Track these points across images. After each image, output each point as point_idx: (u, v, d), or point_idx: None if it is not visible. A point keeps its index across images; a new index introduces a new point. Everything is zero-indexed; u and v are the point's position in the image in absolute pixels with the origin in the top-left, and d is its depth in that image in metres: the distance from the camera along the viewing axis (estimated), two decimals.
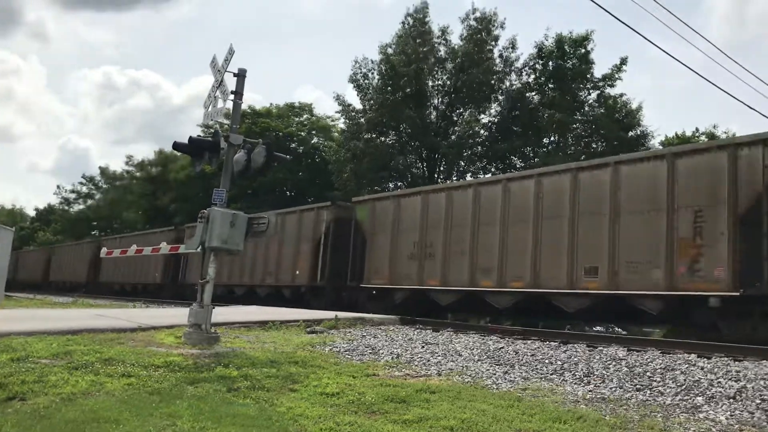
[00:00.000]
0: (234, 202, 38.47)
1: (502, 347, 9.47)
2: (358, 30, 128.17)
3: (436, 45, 35.87)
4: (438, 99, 36.39)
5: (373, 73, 36.61)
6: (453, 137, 34.73)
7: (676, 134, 38.60)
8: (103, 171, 70.70)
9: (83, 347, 7.35)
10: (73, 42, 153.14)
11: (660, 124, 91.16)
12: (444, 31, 36.11)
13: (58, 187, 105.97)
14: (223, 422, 4.78)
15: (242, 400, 5.63)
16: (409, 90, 34.52)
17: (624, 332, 15.01)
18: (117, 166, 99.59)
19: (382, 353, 8.86)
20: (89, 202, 72.71)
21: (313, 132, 48.84)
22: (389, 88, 35.07)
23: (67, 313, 12.81)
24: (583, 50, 34.47)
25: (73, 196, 74.49)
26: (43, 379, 5.76)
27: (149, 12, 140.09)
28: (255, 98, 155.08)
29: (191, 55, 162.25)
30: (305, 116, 50.16)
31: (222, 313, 11.81)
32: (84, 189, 74.02)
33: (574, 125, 34.63)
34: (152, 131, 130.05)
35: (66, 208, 74.92)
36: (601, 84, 34.99)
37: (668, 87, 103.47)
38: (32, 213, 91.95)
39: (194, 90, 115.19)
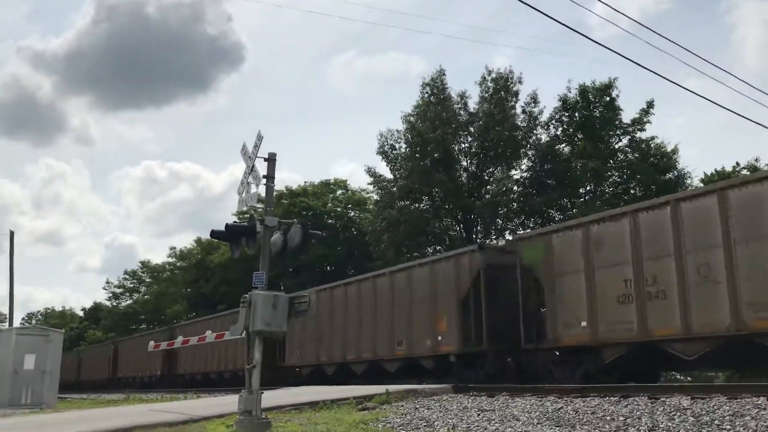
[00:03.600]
0: (277, 281, 38.85)
1: (561, 407, 9.16)
2: (389, 100, 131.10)
3: (456, 109, 36.34)
4: (467, 161, 36.62)
5: (399, 143, 37.15)
6: (487, 197, 34.74)
7: (716, 170, 38.02)
8: (145, 264, 72.22)
9: None
10: (114, 142, 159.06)
11: (700, 161, 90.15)
12: (462, 96, 36.66)
13: (107, 282, 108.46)
14: None
15: None
16: (437, 155, 34.84)
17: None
18: (160, 258, 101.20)
19: (437, 425, 8.63)
20: (135, 296, 74.08)
21: (349, 206, 49.46)
22: (417, 155, 35.45)
23: (118, 411, 12.82)
24: (608, 98, 34.59)
25: (120, 290, 76.02)
26: None
27: (186, 105, 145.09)
28: (293, 178, 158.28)
29: (228, 142, 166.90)
30: (339, 192, 50.93)
31: (272, 397, 11.70)
32: (128, 284, 75.54)
33: (609, 173, 34.44)
34: (194, 220, 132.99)
35: (115, 303, 76.31)
36: (630, 129, 34.92)
37: (706, 123, 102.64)
38: (80, 312, 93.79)
39: (232, 177, 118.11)
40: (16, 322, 44.14)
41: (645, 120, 34.72)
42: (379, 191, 38.31)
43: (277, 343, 22.68)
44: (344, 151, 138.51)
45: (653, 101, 34.71)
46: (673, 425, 7.19)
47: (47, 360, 20.69)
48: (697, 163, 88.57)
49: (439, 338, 17.77)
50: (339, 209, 49.03)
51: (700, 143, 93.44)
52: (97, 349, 54.01)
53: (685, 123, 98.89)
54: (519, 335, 15.55)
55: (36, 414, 15.23)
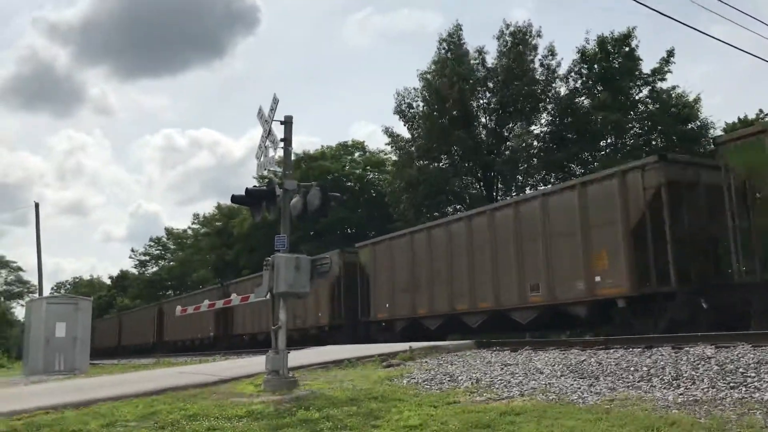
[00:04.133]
0: (300, 245, 39.10)
1: (585, 360, 9.22)
2: (406, 58, 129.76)
3: (474, 65, 35.86)
4: (485, 117, 36.23)
5: (417, 101, 36.82)
6: (507, 153, 34.47)
7: (739, 118, 37.32)
8: (170, 232, 73.05)
9: (168, 406, 7.51)
10: (133, 111, 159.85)
11: (724, 109, 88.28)
12: (480, 51, 36.10)
13: (132, 250, 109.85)
14: None
15: None
16: (455, 112, 34.50)
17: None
18: (184, 225, 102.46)
19: (461, 379, 8.74)
20: (161, 263, 75.13)
21: (368, 168, 49.40)
22: (435, 113, 35.13)
23: (150, 374, 13.12)
24: (627, 48, 33.94)
25: (146, 258, 77.12)
26: None
27: (203, 71, 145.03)
28: (312, 141, 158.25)
29: (246, 107, 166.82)
30: (357, 154, 50.85)
31: (298, 357, 11.90)
32: (154, 251, 76.59)
33: (630, 125, 33.97)
34: (216, 187, 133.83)
35: (142, 271, 77.49)
36: (650, 79, 34.31)
37: (731, 70, 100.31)
38: (107, 281, 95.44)
39: (251, 142, 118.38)
40: (46, 292, 44.99)
41: (665, 69, 34.02)
42: (398, 151, 38.12)
43: (360, 295, 21.43)
44: (363, 112, 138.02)
45: (673, 50, 33.98)
46: (697, 374, 7.21)
47: (78, 327, 21.22)
48: (722, 111, 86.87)
49: (598, 279, 14.58)
50: (357, 171, 48.99)
51: (726, 91, 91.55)
52: (139, 312, 51.66)
53: (709, 71, 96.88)
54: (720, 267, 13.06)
55: (70, 379, 15.65)
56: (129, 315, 54.88)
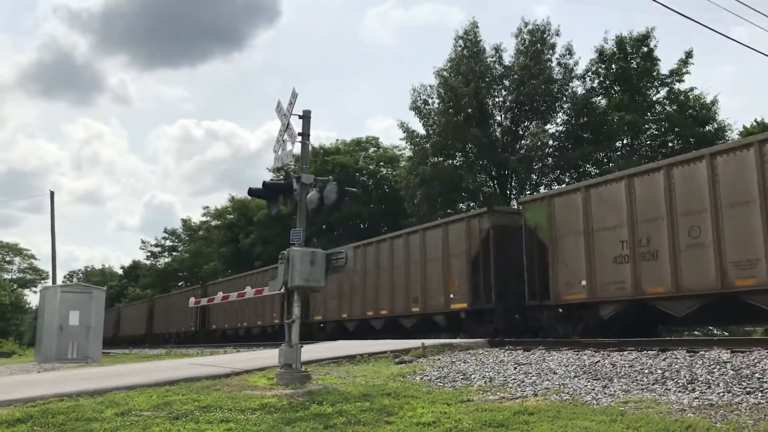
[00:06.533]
0: (311, 238, 39.18)
1: (598, 361, 9.19)
2: (426, 53, 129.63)
3: (491, 63, 35.73)
4: (501, 115, 36.11)
5: (432, 98, 36.76)
6: (521, 152, 34.35)
7: (756, 121, 36.95)
8: (185, 223, 73.37)
9: (182, 397, 7.54)
10: (151, 101, 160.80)
11: (745, 112, 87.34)
12: (497, 49, 35.96)
13: (142, 242, 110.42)
14: None
15: None
16: (470, 110, 34.39)
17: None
18: (197, 216, 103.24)
19: (474, 378, 8.73)
20: (174, 254, 75.46)
21: (381, 164, 49.41)
22: (450, 110, 35.05)
23: (163, 365, 13.20)
24: (645, 48, 33.71)
25: (158, 249, 77.48)
26: (147, 431, 5.92)
27: (221, 63, 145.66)
28: (329, 135, 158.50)
29: (263, 99, 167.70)
30: (372, 149, 50.85)
31: (310, 351, 11.93)
32: (167, 243, 76.92)
33: (647, 125, 33.75)
34: (231, 179, 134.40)
35: (153, 262, 77.86)
36: (668, 80, 34.07)
37: (754, 73, 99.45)
38: (119, 271, 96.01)
39: (268, 134, 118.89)
40: (59, 280, 45.32)
41: (683, 71, 33.83)
42: (413, 147, 38.09)
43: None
44: (380, 106, 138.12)
45: (692, 51, 33.77)
46: (713, 378, 7.16)
47: (91, 316, 21.40)
48: (742, 114, 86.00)
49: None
50: (371, 167, 49.01)
51: (747, 94, 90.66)
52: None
53: (730, 73, 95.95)
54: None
55: (83, 368, 15.77)
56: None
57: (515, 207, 26.44)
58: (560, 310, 15.62)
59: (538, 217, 16.27)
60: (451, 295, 18.44)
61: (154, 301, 49.60)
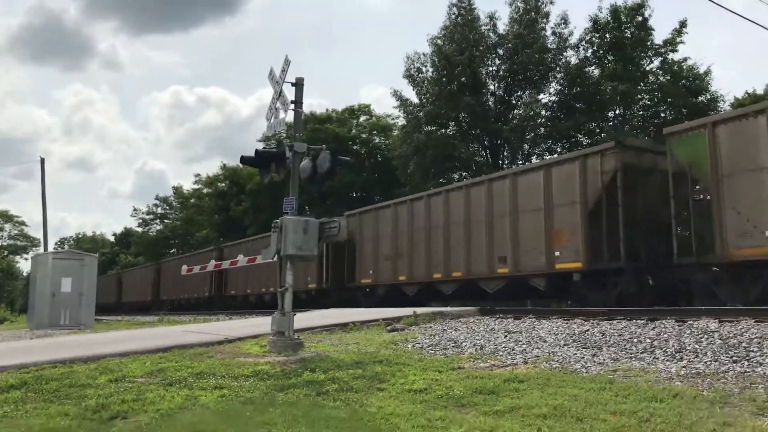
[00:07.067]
0: (306, 208, 39.16)
1: (588, 330, 9.29)
2: (423, 18, 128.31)
3: (485, 31, 35.47)
4: (494, 84, 35.97)
5: (426, 66, 36.53)
6: (514, 121, 34.28)
7: (747, 93, 36.95)
8: (177, 190, 73.09)
9: (175, 363, 7.60)
10: (142, 67, 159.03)
11: (739, 83, 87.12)
12: (492, 17, 35.69)
13: (134, 209, 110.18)
14: (316, 426, 4.85)
15: (332, 403, 5.70)
16: (464, 78, 34.22)
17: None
18: (189, 183, 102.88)
19: (465, 345, 8.82)
20: (166, 222, 75.35)
21: (374, 132, 49.20)
22: (444, 78, 34.87)
23: (156, 332, 13.25)
24: (640, 18, 33.52)
25: (149, 217, 77.33)
26: (141, 397, 5.97)
27: (214, 29, 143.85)
28: (322, 103, 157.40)
29: (256, 66, 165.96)
30: (364, 118, 50.58)
31: (303, 319, 12.00)
32: (159, 210, 76.75)
33: (639, 96, 33.70)
34: (222, 146, 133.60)
35: (144, 229, 77.77)
36: (662, 50, 33.94)
37: (748, 44, 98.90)
38: (111, 238, 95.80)
39: (260, 102, 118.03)
40: (50, 248, 45.21)
41: (677, 40, 33.72)
42: (406, 116, 37.95)
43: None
44: (375, 74, 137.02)
45: (686, 20, 33.65)
46: (700, 347, 7.26)
47: (83, 283, 21.40)
48: (735, 85, 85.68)
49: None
50: (364, 135, 48.81)
51: (740, 65, 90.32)
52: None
53: (724, 44, 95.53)
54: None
55: (76, 334, 15.82)
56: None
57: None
58: (716, 269, 12.75)
59: (692, 151, 13.02)
60: (557, 253, 15.26)
61: (161, 265, 46.36)
